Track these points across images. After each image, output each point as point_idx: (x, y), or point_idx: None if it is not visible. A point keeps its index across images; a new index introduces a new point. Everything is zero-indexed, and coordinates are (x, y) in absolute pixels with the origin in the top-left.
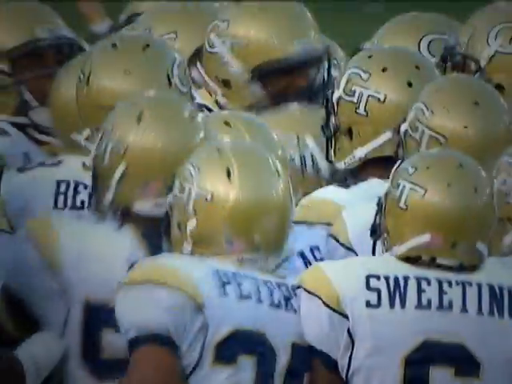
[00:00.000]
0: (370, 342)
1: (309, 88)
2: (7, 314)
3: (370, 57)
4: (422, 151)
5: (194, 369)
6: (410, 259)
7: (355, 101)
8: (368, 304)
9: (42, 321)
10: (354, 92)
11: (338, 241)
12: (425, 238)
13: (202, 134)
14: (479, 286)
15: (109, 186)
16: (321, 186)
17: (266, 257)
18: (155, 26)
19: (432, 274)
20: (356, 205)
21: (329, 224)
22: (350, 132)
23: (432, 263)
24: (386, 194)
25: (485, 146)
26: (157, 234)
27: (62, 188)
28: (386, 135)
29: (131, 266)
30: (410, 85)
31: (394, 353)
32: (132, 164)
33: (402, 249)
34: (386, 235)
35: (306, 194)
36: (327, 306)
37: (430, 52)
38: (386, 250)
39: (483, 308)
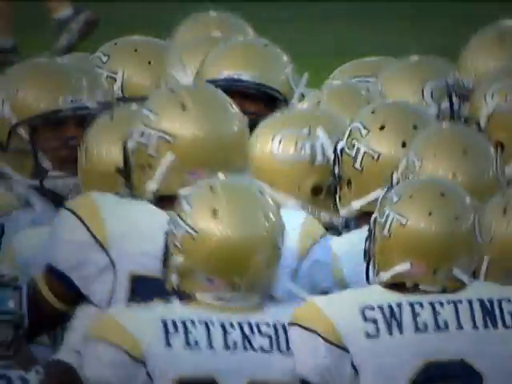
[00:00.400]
0: (375, 372)
1: None
2: (52, 292)
3: (372, 112)
4: (409, 180)
5: None
6: (395, 285)
7: (353, 155)
8: (367, 335)
9: (88, 295)
10: (354, 146)
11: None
12: (405, 266)
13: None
14: (470, 302)
15: (154, 174)
16: (329, 176)
17: (246, 296)
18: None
19: (423, 297)
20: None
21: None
22: (349, 183)
23: (416, 289)
24: (374, 221)
25: (473, 193)
26: None
27: None
28: (377, 193)
29: None
30: (404, 145)
31: (399, 378)
32: (180, 153)
33: (386, 275)
34: (374, 260)
35: (314, 184)
36: (328, 341)
37: (433, 99)
38: (376, 275)
39: (477, 323)
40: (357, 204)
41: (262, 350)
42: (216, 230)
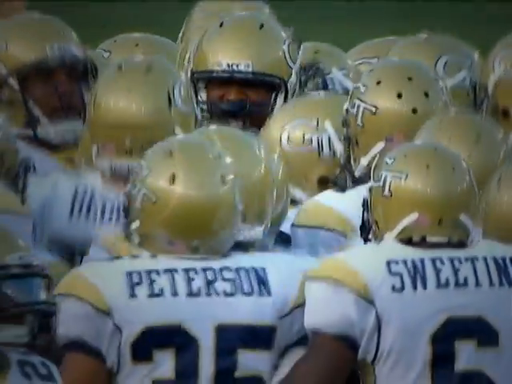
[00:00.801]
0: (399, 324)
1: None
2: None
3: (370, 70)
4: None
5: (118, 369)
6: (403, 242)
7: (355, 113)
8: (393, 288)
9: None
10: (354, 104)
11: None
12: (412, 217)
13: (230, 196)
14: (485, 260)
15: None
16: (335, 168)
17: (206, 257)
18: None
19: (442, 253)
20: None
21: (328, 229)
22: (356, 142)
23: (423, 242)
24: (370, 190)
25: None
26: None
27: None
28: (379, 146)
29: None
30: (399, 96)
31: (421, 332)
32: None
33: (393, 233)
34: (374, 227)
35: (321, 176)
36: (356, 293)
37: (445, 72)
38: (379, 238)
39: (493, 280)
40: (364, 161)
41: (225, 293)
42: (174, 194)
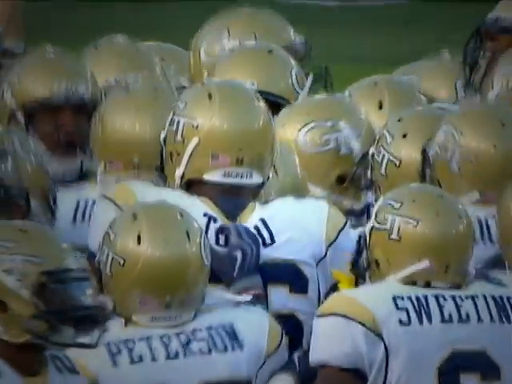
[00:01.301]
0: (406, 356)
1: None
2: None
3: (398, 120)
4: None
5: None
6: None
7: (379, 161)
8: (401, 322)
9: None
10: (380, 152)
11: None
12: (424, 263)
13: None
14: (485, 298)
15: (181, 159)
16: (353, 166)
17: (179, 314)
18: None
19: (444, 291)
20: None
21: None
22: (379, 187)
23: (427, 287)
24: (371, 230)
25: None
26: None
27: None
28: None
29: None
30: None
31: (428, 365)
32: (204, 138)
33: (399, 275)
34: (373, 267)
35: (339, 174)
36: (366, 327)
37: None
38: (376, 280)
39: (494, 316)
40: None
41: (202, 352)
42: (141, 254)
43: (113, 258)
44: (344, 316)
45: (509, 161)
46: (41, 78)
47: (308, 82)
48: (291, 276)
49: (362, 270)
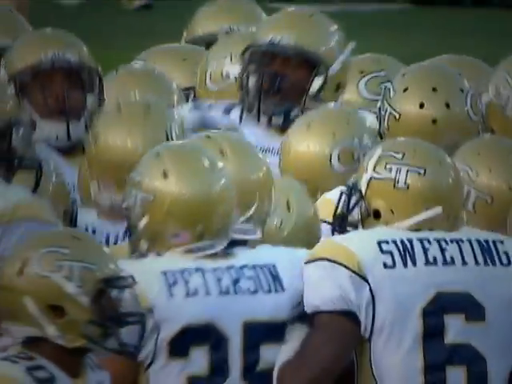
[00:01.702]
0: (391, 298)
1: None
2: None
3: (402, 75)
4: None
5: (151, 363)
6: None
7: (382, 115)
8: (385, 265)
9: None
10: (383, 107)
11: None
12: (437, 210)
13: (223, 180)
14: (470, 241)
15: (140, 235)
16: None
17: (212, 243)
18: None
19: (429, 234)
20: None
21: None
22: None
23: None
24: (369, 181)
25: None
26: None
27: None
28: None
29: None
30: (421, 106)
31: (412, 306)
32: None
33: (409, 222)
34: (372, 218)
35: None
36: (352, 271)
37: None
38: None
39: (478, 259)
40: None
41: (249, 291)
42: (169, 188)
43: (142, 197)
44: (329, 260)
45: None
46: (30, 47)
47: (348, 49)
48: None
49: (352, 223)
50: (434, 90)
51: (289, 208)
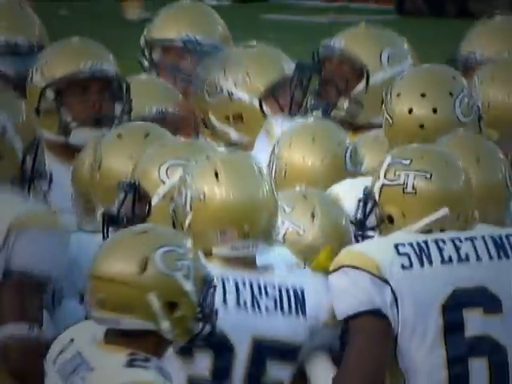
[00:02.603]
0: (411, 297)
1: None
2: None
3: (400, 78)
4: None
5: None
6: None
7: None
8: (403, 266)
9: None
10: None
11: None
12: (443, 211)
13: (268, 184)
14: (483, 238)
15: (186, 233)
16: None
17: (256, 243)
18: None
19: (443, 235)
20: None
21: None
22: None
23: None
24: (381, 188)
25: (484, 197)
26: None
27: None
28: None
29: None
30: (410, 112)
31: (431, 304)
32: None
33: (418, 225)
34: (386, 223)
35: None
36: (370, 273)
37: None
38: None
39: (492, 254)
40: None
41: (267, 310)
42: (220, 187)
43: (192, 196)
44: (349, 267)
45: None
46: (69, 56)
47: (401, 65)
48: None
49: (371, 228)
50: (423, 95)
51: (313, 216)
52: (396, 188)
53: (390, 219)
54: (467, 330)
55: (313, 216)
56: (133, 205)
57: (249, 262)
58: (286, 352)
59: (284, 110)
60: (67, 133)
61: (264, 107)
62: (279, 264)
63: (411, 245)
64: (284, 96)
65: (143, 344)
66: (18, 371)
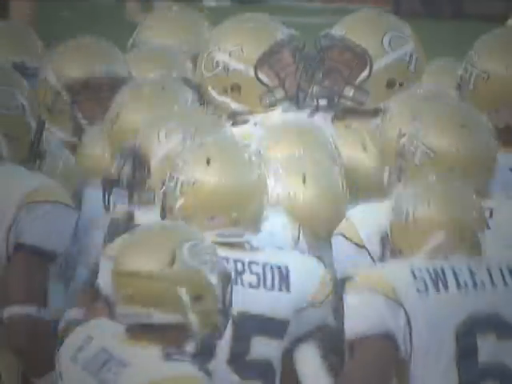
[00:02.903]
0: (425, 321)
1: None
2: None
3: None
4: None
5: None
6: None
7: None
8: (418, 290)
9: None
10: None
11: (347, 239)
12: (440, 236)
13: (260, 172)
14: (499, 266)
15: (176, 216)
16: None
17: (244, 231)
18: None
19: (459, 261)
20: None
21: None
22: None
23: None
24: (391, 224)
25: (473, 165)
26: None
27: None
28: None
29: None
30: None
31: (445, 328)
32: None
33: (422, 254)
34: (398, 256)
35: None
36: (385, 295)
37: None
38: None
39: (507, 281)
40: None
41: (250, 285)
42: (211, 174)
43: (183, 181)
44: (365, 288)
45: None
46: (83, 59)
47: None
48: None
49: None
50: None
51: (304, 181)
52: (400, 221)
53: (401, 252)
54: (480, 355)
55: (304, 178)
56: (133, 168)
57: (236, 245)
58: (271, 328)
59: (280, 76)
60: (79, 132)
61: (260, 75)
62: (268, 245)
63: (428, 270)
64: (278, 62)
65: (166, 338)
66: (22, 350)
